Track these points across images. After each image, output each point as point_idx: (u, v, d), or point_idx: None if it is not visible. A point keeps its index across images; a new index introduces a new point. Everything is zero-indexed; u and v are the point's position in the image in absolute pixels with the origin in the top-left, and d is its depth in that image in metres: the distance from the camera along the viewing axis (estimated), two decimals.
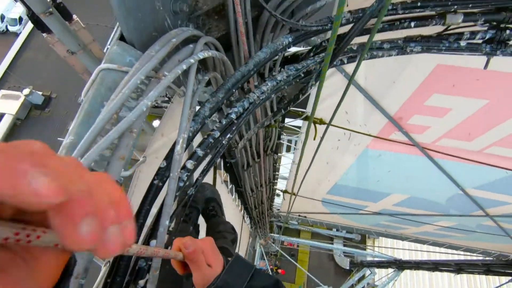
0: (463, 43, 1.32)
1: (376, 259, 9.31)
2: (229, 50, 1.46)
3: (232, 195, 4.44)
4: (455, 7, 1.19)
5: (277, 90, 1.21)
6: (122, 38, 0.93)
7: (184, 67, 0.92)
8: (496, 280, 5.86)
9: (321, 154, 2.54)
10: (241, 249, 6.76)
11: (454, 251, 6.81)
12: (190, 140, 0.95)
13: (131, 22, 0.89)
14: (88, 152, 0.67)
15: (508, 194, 3.30)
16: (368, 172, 3.75)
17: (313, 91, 1.68)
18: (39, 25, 2.31)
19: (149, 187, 0.86)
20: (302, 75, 1.27)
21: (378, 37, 1.30)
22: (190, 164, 0.93)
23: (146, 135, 2.80)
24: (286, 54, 1.69)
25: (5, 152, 0.17)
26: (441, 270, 6.11)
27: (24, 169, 0.16)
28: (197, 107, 1.04)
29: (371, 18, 1.10)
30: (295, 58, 1.80)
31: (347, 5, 1.61)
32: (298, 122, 3.06)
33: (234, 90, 1.08)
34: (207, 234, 2.06)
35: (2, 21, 17.32)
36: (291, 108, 1.68)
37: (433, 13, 1.25)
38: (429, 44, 1.31)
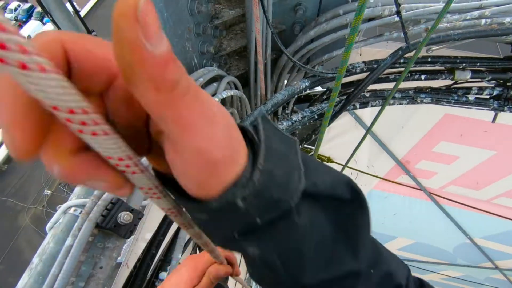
0: (471, 97, 1.38)
1: None
2: (245, 87, 1.54)
3: None
4: (464, 64, 1.27)
5: (291, 130, 1.26)
6: None
7: None
8: None
9: None
10: None
11: None
12: None
13: None
14: None
15: None
16: (373, 213, 3.67)
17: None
18: None
19: (163, 218, 0.88)
20: (316, 117, 1.33)
21: (389, 85, 1.37)
22: None
23: None
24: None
25: None
26: None
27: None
28: None
29: (385, 69, 1.17)
30: (308, 99, 1.88)
31: (360, 55, 1.71)
32: None
33: None
34: None
35: None
36: (303, 146, 1.72)
37: (442, 68, 1.33)
38: (438, 96, 1.37)
